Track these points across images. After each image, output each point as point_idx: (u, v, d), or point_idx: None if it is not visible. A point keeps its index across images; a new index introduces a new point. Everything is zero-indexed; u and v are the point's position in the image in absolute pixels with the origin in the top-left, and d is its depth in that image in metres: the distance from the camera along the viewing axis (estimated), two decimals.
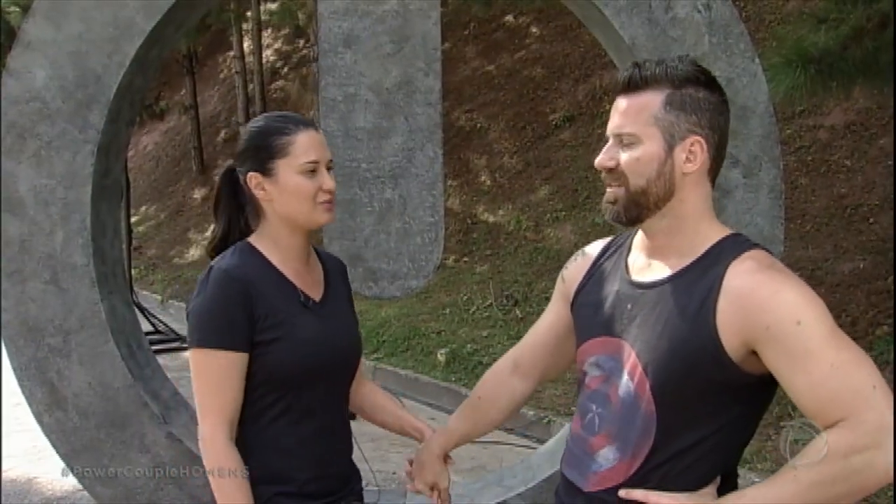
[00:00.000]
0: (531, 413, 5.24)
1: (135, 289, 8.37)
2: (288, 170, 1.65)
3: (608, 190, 1.44)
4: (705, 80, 1.39)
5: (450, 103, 10.72)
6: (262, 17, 13.10)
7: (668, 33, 2.63)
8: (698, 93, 1.37)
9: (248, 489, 1.60)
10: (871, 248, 5.84)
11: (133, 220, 10.86)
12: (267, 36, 15.36)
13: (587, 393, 1.50)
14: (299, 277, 1.73)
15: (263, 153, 1.66)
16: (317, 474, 1.70)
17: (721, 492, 1.35)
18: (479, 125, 10.41)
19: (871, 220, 6.06)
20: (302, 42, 14.61)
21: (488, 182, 9.76)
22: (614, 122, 1.42)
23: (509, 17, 11.56)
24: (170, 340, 8.10)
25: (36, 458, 4.59)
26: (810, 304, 1.25)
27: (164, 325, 8.33)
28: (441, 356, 6.55)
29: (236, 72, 13.21)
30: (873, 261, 5.73)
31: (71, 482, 2.80)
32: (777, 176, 2.71)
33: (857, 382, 1.21)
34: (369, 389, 2.02)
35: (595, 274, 1.57)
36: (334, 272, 1.85)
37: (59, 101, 2.48)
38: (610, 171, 1.42)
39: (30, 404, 2.56)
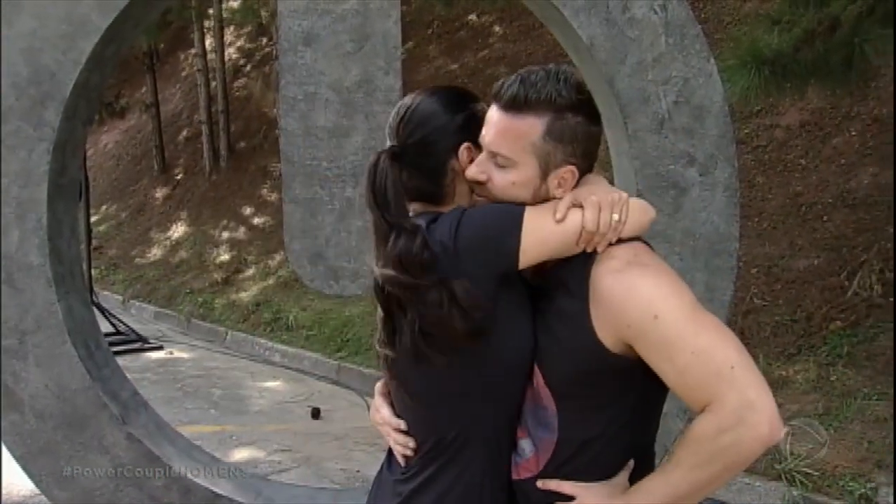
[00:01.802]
0: None
1: (95, 289, 8.24)
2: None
3: (476, 199, 1.48)
4: (585, 107, 1.42)
5: None
6: (224, 15, 12.95)
7: (625, 33, 2.67)
8: (577, 121, 1.40)
9: None
10: (825, 245, 5.98)
11: (93, 219, 10.69)
12: (229, 34, 15.19)
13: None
14: None
15: (475, 121, 1.48)
16: None
17: (637, 475, 1.41)
18: None
19: (825, 217, 6.20)
20: (265, 40, 14.49)
21: None
22: (491, 138, 1.42)
23: (472, 17, 11.59)
24: (131, 341, 8.00)
25: None
26: (666, 295, 1.30)
27: (125, 325, 8.22)
28: None
29: (198, 70, 13.03)
30: (827, 257, 5.87)
31: (28, 485, 2.75)
32: (732, 174, 2.76)
33: (717, 365, 1.25)
34: None
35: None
36: None
37: (12, 99, 2.44)
38: (481, 184, 1.44)
39: None
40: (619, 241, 1.41)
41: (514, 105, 1.39)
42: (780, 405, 4.70)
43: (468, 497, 1.45)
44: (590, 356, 1.36)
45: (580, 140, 1.41)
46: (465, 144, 1.48)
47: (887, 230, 5.78)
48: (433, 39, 11.88)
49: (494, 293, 1.38)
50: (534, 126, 1.38)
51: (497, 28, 11.17)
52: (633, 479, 1.41)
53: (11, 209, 2.45)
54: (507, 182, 1.41)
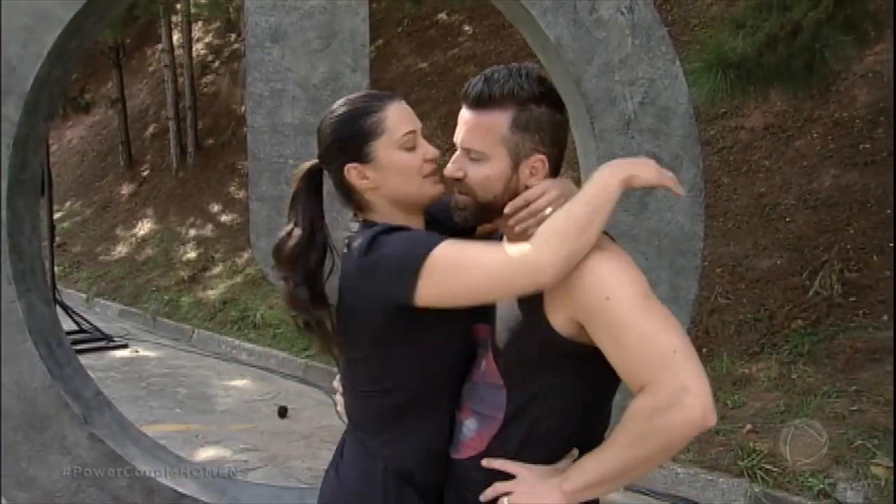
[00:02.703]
0: None
1: (58, 287, 8.10)
2: (387, 149, 1.53)
3: (457, 196, 1.53)
4: (548, 97, 1.48)
5: None
6: (192, 10, 12.80)
7: (592, 34, 2.70)
8: (541, 111, 1.47)
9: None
10: (787, 246, 6.08)
11: (57, 216, 10.50)
12: (197, 29, 15.02)
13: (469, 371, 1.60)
14: None
15: (355, 140, 1.53)
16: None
17: None
18: None
19: (788, 218, 6.31)
20: (233, 36, 14.35)
21: None
22: (462, 135, 1.50)
23: (442, 15, 11.59)
24: (95, 339, 7.88)
25: None
26: (621, 279, 1.36)
27: (89, 323, 8.10)
28: None
29: (165, 65, 12.86)
30: (789, 257, 5.97)
31: None
32: (697, 174, 2.80)
33: (660, 349, 1.30)
34: None
35: None
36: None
37: None
38: (458, 180, 1.51)
39: None
40: None
41: (480, 102, 1.47)
42: (743, 403, 4.77)
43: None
44: (539, 338, 1.41)
45: (546, 129, 1.47)
46: (348, 166, 1.54)
47: (847, 231, 5.90)
48: (403, 38, 11.86)
49: (385, 318, 1.45)
50: (501, 119, 1.46)
51: (466, 27, 11.18)
52: None
53: None
54: (482, 175, 1.48)
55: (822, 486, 3.97)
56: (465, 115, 1.50)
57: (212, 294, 9.23)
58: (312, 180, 1.60)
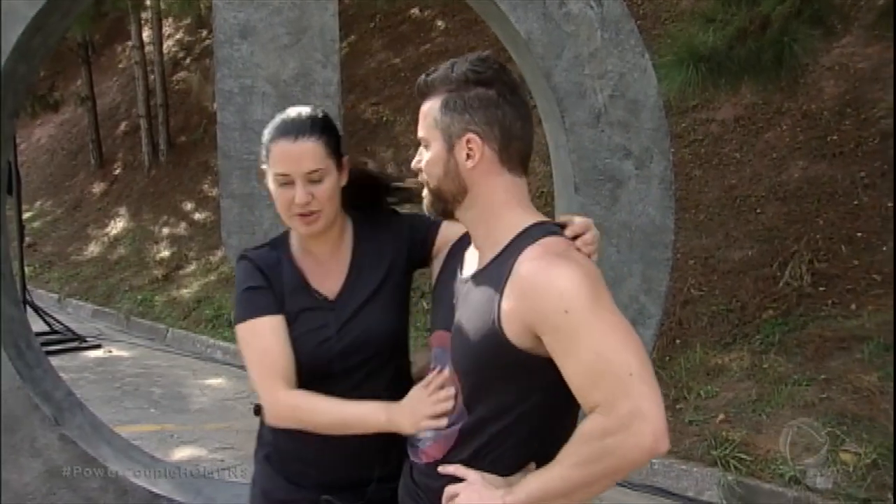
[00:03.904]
0: None
1: (28, 287, 7.98)
2: (270, 175, 1.66)
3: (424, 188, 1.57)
4: (477, 78, 1.47)
5: (356, 96, 10.66)
6: (162, 6, 12.65)
7: (562, 28, 2.71)
8: (469, 92, 1.46)
9: (344, 402, 1.61)
10: (758, 237, 6.16)
11: (26, 215, 10.37)
12: (168, 25, 14.85)
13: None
14: (316, 272, 1.71)
15: (264, 152, 1.68)
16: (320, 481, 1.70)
17: None
18: (385, 118, 10.39)
19: (759, 210, 6.39)
20: (204, 32, 14.21)
21: (394, 175, 9.75)
22: (418, 128, 1.55)
23: (415, 11, 11.57)
24: (67, 340, 7.78)
25: None
26: (579, 292, 1.30)
27: (61, 324, 7.99)
28: None
29: (136, 62, 12.69)
30: (760, 249, 6.04)
31: None
32: (667, 167, 2.82)
33: (616, 369, 1.26)
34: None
35: (447, 268, 1.65)
36: (369, 252, 1.77)
37: None
38: (420, 171, 1.55)
39: None
40: (551, 233, 1.44)
41: (421, 93, 1.53)
42: (716, 393, 4.82)
43: None
44: (494, 349, 1.38)
45: (475, 108, 1.45)
46: (265, 165, 1.69)
47: (816, 222, 5.99)
48: (375, 33, 11.83)
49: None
50: (434, 103, 1.49)
51: (439, 22, 11.17)
52: None
53: None
54: (426, 161, 1.51)
55: (792, 472, 4.04)
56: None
57: (186, 293, 9.15)
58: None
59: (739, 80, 4.80)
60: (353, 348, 1.68)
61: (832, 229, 5.86)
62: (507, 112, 1.47)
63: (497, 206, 1.48)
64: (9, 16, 2.38)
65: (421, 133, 1.52)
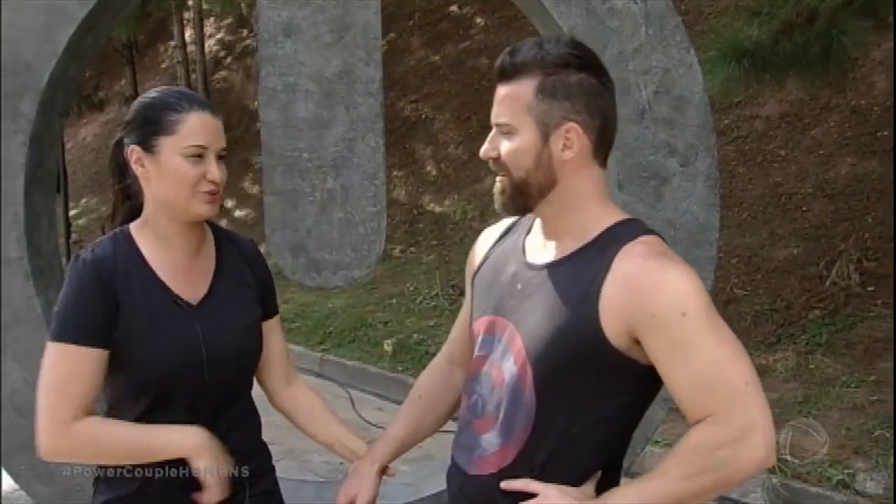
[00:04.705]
0: None
1: None
2: (172, 150, 1.50)
3: (497, 179, 1.42)
4: (578, 62, 1.34)
5: (395, 94, 10.69)
6: (204, 6, 12.83)
7: (606, 24, 2.68)
8: (570, 77, 1.33)
9: (129, 424, 1.51)
10: (804, 235, 6.04)
11: (72, 212, 10.59)
12: (209, 25, 15.07)
13: (472, 373, 1.48)
14: (177, 273, 1.56)
15: (149, 127, 1.51)
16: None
17: (603, 486, 1.34)
18: (424, 115, 10.41)
19: (805, 208, 6.26)
20: (245, 31, 14.39)
21: (434, 172, 9.77)
22: (494, 112, 1.39)
23: (454, 8, 11.57)
24: None
25: None
26: (696, 295, 1.25)
27: None
28: (388, 346, 6.56)
29: (178, 62, 12.92)
30: (806, 247, 5.92)
31: (8, 481, 2.73)
32: (712, 164, 2.78)
33: (733, 378, 1.22)
34: (300, 394, 1.85)
35: (494, 253, 1.54)
36: (234, 264, 1.65)
37: None
38: (495, 161, 1.40)
39: None
40: (648, 232, 1.36)
41: (505, 73, 1.37)
42: None
43: None
44: (586, 344, 1.29)
45: (577, 94, 1.33)
46: (132, 147, 1.55)
47: (865, 220, 5.85)
48: (414, 31, 11.85)
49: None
50: (525, 87, 1.34)
51: (478, 19, 11.15)
52: (598, 491, 1.34)
53: None
54: (510, 150, 1.36)
55: (840, 476, 3.95)
56: (496, 91, 1.39)
57: None
58: (117, 153, 1.62)
59: (785, 76, 4.70)
60: (218, 361, 1.54)
61: (882, 227, 5.72)
62: (608, 102, 1.38)
63: (583, 199, 1.38)
64: (60, 17, 2.43)
65: (504, 119, 1.36)
